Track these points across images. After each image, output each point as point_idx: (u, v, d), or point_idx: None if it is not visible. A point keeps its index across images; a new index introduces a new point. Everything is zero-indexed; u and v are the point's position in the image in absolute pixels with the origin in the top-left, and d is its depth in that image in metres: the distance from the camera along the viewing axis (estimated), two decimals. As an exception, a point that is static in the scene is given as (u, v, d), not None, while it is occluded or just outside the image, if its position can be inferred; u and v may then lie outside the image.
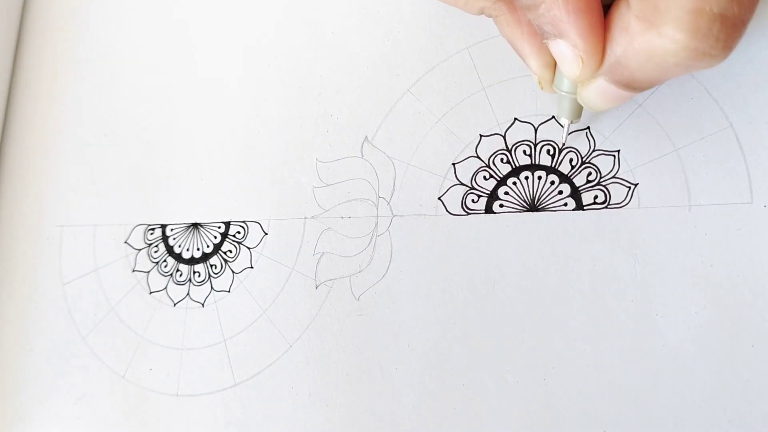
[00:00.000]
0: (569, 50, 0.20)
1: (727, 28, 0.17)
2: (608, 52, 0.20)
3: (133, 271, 0.30)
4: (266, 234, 0.28)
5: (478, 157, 0.25)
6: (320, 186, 0.27)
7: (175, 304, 0.29)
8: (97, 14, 0.33)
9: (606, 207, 0.23)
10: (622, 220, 0.23)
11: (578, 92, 0.21)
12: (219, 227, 0.29)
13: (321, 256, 0.27)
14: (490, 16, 0.23)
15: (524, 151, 0.25)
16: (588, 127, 0.24)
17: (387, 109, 0.27)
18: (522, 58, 0.23)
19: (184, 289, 0.29)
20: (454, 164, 0.26)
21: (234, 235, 0.28)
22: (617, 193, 0.23)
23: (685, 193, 0.22)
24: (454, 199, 0.25)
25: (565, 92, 0.22)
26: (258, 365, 0.27)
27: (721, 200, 0.22)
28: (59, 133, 0.32)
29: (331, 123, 0.28)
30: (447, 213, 0.25)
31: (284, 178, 0.28)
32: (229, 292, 0.28)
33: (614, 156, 0.24)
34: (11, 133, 0.33)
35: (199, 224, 0.29)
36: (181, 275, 0.29)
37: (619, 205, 0.23)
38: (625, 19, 0.19)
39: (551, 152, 0.24)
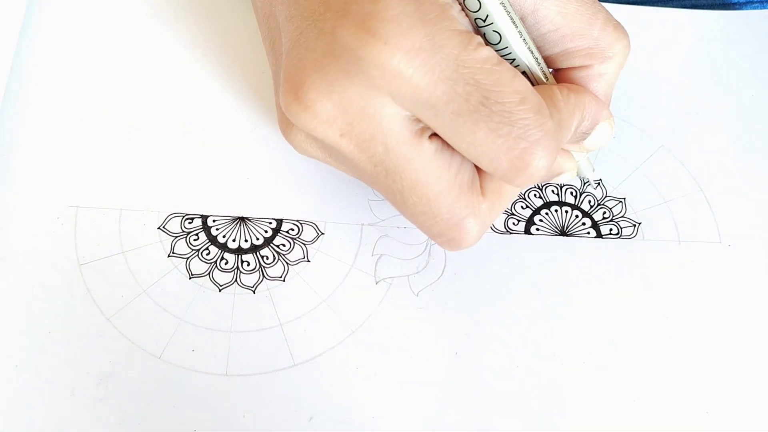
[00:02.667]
0: (606, 123, 0.28)
1: None
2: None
3: (169, 256, 0.30)
4: (323, 234, 0.30)
5: (515, 191, 0.32)
6: (375, 199, 0.31)
7: (220, 290, 0.29)
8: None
9: (620, 237, 0.31)
10: (633, 248, 0.30)
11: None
12: (270, 223, 0.31)
13: (379, 257, 0.30)
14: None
15: (552, 191, 0.32)
16: (600, 179, 0.32)
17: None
18: (560, 173, 0.29)
19: (230, 275, 0.30)
20: (496, 194, 0.31)
21: (288, 232, 0.31)
22: (626, 228, 0.31)
23: (675, 232, 0.31)
24: (498, 221, 0.31)
25: (585, 155, 0.29)
26: (320, 347, 0.28)
27: (698, 239, 0.31)
28: (80, 119, 0.32)
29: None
30: (493, 231, 0.31)
31: (340, 188, 0.31)
32: (283, 281, 0.30)
33: (622, 202, 0.31)
34: (17, 111, 0.32)
35: (246, 218, 0.31)
36: (226, 263, 0.30)
37: (630, 237, 0.31)
38: (592, 72, 0.27)
39: (574, 193, 0.32)
